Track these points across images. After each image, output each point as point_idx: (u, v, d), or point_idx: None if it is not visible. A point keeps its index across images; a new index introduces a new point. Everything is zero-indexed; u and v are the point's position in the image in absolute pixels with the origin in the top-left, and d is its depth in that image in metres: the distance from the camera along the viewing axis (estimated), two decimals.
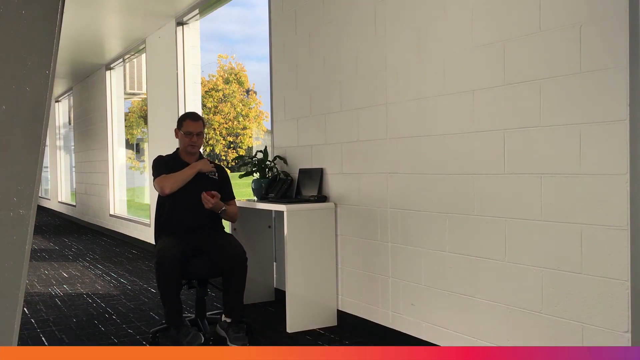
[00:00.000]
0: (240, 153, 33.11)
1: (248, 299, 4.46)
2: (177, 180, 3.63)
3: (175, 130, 3.83)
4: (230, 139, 34.31)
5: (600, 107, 2.31)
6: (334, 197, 3.96)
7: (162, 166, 3.72)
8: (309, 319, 3.86)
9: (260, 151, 4.51)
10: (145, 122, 8.94)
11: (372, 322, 3.64)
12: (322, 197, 3.97)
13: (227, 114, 33.74)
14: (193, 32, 6.68)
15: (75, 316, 4.35)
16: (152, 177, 3.76)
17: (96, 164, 10.39)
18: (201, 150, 3.90)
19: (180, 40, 6.64)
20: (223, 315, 3.55)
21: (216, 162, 3.91)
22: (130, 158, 22.76)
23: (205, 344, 3.46)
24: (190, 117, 3.78)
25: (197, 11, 6.28)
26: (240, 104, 34.49)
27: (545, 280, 2.55)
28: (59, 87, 12.60)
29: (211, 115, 32.92)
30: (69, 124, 14.17)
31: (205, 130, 3.86)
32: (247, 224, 4.47)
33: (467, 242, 2.94)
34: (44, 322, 4.20)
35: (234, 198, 3.93)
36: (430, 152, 3.15)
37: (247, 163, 4.66)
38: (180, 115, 4.31)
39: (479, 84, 2.84)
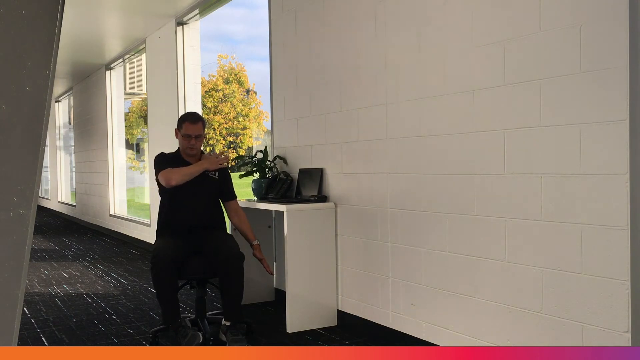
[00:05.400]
0: (240, 153, 33.11)
1: (248, 299, 4.46)
2: (184, 174, 3.63)
3: (175, 130, 3.83)
4: (230, 139, 34.31)
5: (600, 107, 2.31)
6: (334, 197, 3.96)
7: (166, 161, 3.73)
8: (309, 319, 3.86)
9: (260, 151, 4.51)
10: (145, 122, 8.94)
11: (372, 322, 3.64)
12: (322, 197, 3.97)
13: (227, 114, 33.75)
14: (193, 32, 6.68)
15: (75, 316, 4.35)
16: (155, 171, 3.74)
17: (96, 164, 10.39)
18: (202, 148, 3.89)
19: (180, 40, 6.65)
20: (223, 319, 3.53)
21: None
22: (130, 158, 22.75)
23: (205, 343, 3.45)
24: (189, 119, 3.73)
25: (197, 11, 6.28)
26: (240, 104, 34.50)
27: (545, 280, 2.55)
28: (59, 87, 12.60)
29: (211, 115, 32.93)
30: (69, 124, 14.17)
31: (205, 130, 3.85)
32: None
33: (467, 242, 2.94)
34: (44, 322, 4.20)
35: (236, 198, 3.91)
36: (430, 152, 3.15)
37: (247, 163, 4.66)
38: (180, 115, 4.30)
39: (479, 84, 2.84)
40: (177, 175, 3.61)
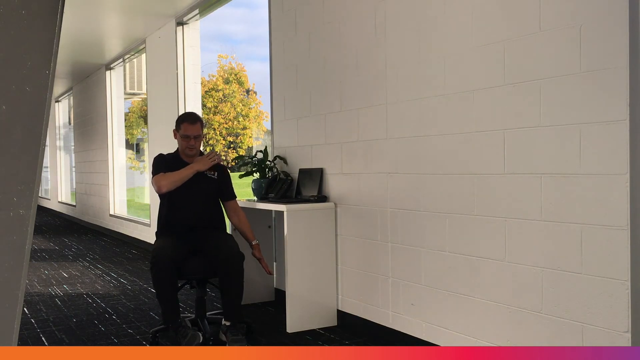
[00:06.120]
0: (240, 153, 33.11)
1: (248, 299, 4.46)
2: (174, 179, 3.62)
3: (173, 130, 3.82)
4: (230, 139, 34.32)
5: (600, 107, 2.31)
6: (334, 197, 3.96)
7: (162, 164, 3.70)
8: (309, 319, 3.86)
9: (260, 151, 4.51)
10: (145, 122, 8.94)
11: (372, 322, 3.64)
12: (322, 197, 3.97)
13: (227, 114, 33.75)
14: (193, 32, 6.68)
15: (75, 316, 4.35)
16: (151, 175, 3.74)
17: (96, 164, 10.39)
18: (201, 148, 3.88)
19: (180, 40, 6.65)
20: (223, 319, 3.53)
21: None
22: (130, 158, 22.76)
23: (205, 343, 3.45)
24: (187, 119, 3.71)
25: (197, 11, 6.28)
26: (240, 104, 34.50)
27: (545, 280, 2.55)
28: (59, 87, 12.60)
29: (211, 115, 32.93)
30: (69, 124, 14.17)
31: (205, 130, 3.84)
32: None
33: (467, 242, 2.94)
34: (44, 322, 4.20)
35: (235, 197, 3.91)
36: (430, 152, 3.15)
37: (247, 163, 4.66)
38: (179, 115, 4.29)
39: (479, 84, 2.84)
40: (167, 182, 3.60)
